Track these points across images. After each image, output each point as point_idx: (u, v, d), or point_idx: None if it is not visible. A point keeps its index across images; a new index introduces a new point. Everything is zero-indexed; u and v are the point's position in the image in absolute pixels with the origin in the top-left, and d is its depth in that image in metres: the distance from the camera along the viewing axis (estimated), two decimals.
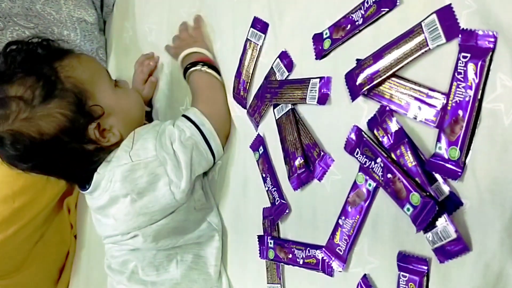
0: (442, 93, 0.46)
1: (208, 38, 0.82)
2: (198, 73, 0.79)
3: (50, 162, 0.70)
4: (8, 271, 1.10)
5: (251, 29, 0.71)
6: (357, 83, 0.53)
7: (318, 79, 0.60)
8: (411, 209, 0.46)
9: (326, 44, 0.59)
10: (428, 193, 0.45)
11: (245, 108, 0.73)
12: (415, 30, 0.48)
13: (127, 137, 0.72)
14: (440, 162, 0.45)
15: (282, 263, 0.63)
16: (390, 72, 0.50)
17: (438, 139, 0.46)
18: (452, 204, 0.44)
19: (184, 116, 0.74)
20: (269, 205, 0.67)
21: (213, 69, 0.79)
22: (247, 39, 0.72)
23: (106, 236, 0.77)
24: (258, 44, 0.71)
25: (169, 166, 0.69)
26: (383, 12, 0.52)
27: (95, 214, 0.77)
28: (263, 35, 0.70)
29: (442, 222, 0.44)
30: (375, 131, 0.52)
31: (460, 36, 0.44)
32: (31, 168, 0.70)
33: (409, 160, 0.48)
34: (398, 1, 0.50)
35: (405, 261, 0.48)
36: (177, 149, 0.70)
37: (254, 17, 0.71)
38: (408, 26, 0.49)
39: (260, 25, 0.70)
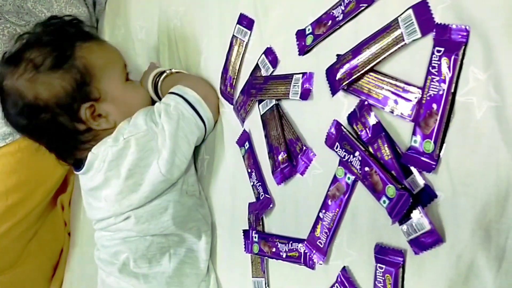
0: (418, 87, 0.47)
1: (195, 35, 0.83)
2: (169, 77, 0.81)
3: (39, 129, 0.73)
4: (2, 268, 1.11)
5: (237, 25, 0.72)
6: (337, 78, 0.54)
7: (300, 75, 0.60)
8: (387, 201, 0.47)
9: (309, 40, 0.60)
10: (403, 186, 0.46)
11: (232, 104, 0.74)
12: (392, 25, 0.49)
13: (124, 120, 0.74)
14: (415, 155, 0.46)
15: (266, 257, 0.64)
16: (368, 67, 0.51)
17: (414, 133, 0.46)
18: (426, 196, 0.45)
19: (168, 93, 0.76)
20: (254, 200, 0.67)
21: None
22: (233, 36, 0.73)
23: (98, 220, 0.77)
24: (244, 41, 0.71)
25: (159, 140, 0.70)
26: (362, 8, 0.52)
27: (87, 196, 0.78)
28: (249, 32, 0.70)
29: (417, 214, 0.45)
30: (354, 126, 0.53)
31: (434, 30, 0.45)
32: (22, 129, 0.75)
33: (386, 153, 0.48)
34: None
35: (382, 253, 0.48)
36: (163, 120, 0.71)
37: (240, 13, 0.72)
38: (386, 21, 0.50)
39: (246, 22, 0.71)
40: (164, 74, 0.80)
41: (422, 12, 0.46)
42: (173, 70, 0.81)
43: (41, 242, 1.18)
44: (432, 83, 0.45)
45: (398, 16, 0.48)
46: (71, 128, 0.72)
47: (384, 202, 0.47)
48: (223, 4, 0.76)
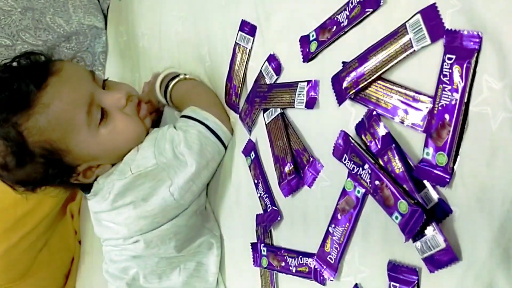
0: (429, 96, 0.44)
1: (195, 42, 0.81)
2: (182, 82, 0.78)
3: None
4: (14, 279, 1.12)
5: (240, 32, 0.70)
6: (343, 87, 0.52)
7: (305, 83, 0.58)
8: (399, 217, 0.45)
9: (313, 46, 0.57)
10: (416, 201, 0.44)
11: (237, 113, 0.72)
12: (400, 31, 0.46)
13: (132, 151, 0.71)
14: (428, 168, 0.43)
15: (276, 271, 0.62)
16: (376, 75, 0.48)
17: (426, 144, 0.44)
18: (441, 212, 0.43)
19: (184, 116, 0.73)
20: (261, 211, 0.66)
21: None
22: (236, 43, 0.71)
23: (106, 239, 0.76)
24: (247, 48, 0.69)
25: (171, 170, 0.68)
26: (368, 13, 0.50)
27: (95, 216, 0.76)
28: (252, 38, 0.68)
29: (431, 230, 0.43)
30: (362, 136, 0.51)
31: (445, 37, 0.43)
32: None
33: (397, 166, 0.46)
34: (381, 1, 0.49)
35: (395, 270, 0.46)
36: (183, 151, 0.68)
37: (242, 20, 0.70)
38: (393, 27, 0.48)
39: (248, 28, 0.69)
40: (177, 79, 0.77)
41: (431, 17, 0.44)
42: (187, 76, 0.78)
43: (52, 251, 1.19)
44: (444, 92, 0.42)
45: (406, 22, 0.46)
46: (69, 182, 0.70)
47: (397, 218, 0.45)
48: (225, 10, 0.74)
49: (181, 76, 0.78)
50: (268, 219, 0.63)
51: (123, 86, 0.74)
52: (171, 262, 0.72)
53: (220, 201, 0.75)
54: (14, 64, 0.68)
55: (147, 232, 0.69)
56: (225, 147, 0.73)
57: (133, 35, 1.03)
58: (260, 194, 0.65)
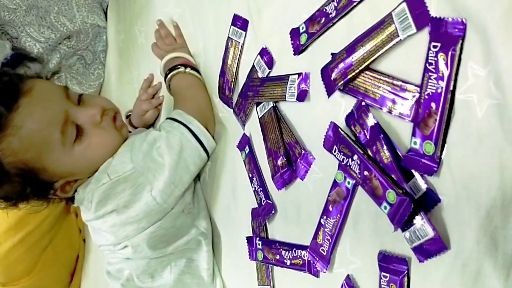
0: (416, 85, 0.44)
1: (192, 38, 0.81)
2: (181, 75, 0.78)
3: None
4: (18, 277, 1.12)
5: (232, 27, 0.70)
6: (332, 78, 0.52)
7: (296, 76, 0.58)
8: (388, 207, 0.44)
9: (303, 39, 0.57)
10: (404, 190, 0.44)
11: (231, 108, 0.72)
12: (386, 21, 0.46)
13: (108, 160, 0.70)
14: (416, 158, 0.43)
15: (271, 265, 0.62)
16: (364, 66, 0.48)
17: (413, 134, 0.44)
18: (429, 201, 0.43)
19: (169, 118, 0.73)
20: (256, 205, 0.66)
21: (197, 72, 0.78)
22: (228, 38, 0.71)
23: (100, 245, 0.77)
24: (239, 42, 0.69)
25: (150, 174, 0.67)
26: (355, 3, 0.50)
27: (88, 223, 0.77)
28: (244, 32, 0.68)
29: (419, 220, 0.42)
30: (352, 127, 0.50)
31: (430, 24, 0.42)
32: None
33: (385, 156, 0.46)
34: None
35: (386, 261, 0.46)
36: (163, 150, 0.68)
37: (234, 14, 0.70)
38: (379, 16, 0.47)
39: (240, 22, 0.69)
40: (177, 71, 0.77)
41: (417, 6, 0.43)
42: (187, 70, 0.78)
43: (57, 249, 1.19)
44: (430, 80, 0.42)
45: (392, 11, 0.46)
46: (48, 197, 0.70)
47: (385, 208, 0.45)
48: (217, 4, 0.74)
49: (181, 69, 0.77)
50: (263, 212, 0.63)
51: (98, 100, 0.72)
52: (162, 261, 0.72)
53: (216, 196, 0.76)
54: None
55: (133, 237, 0.69)
56: (208, 154, 0.73)
57: (131, 33, 1.03)
58: (255, 188, 0.65)
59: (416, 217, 0.43)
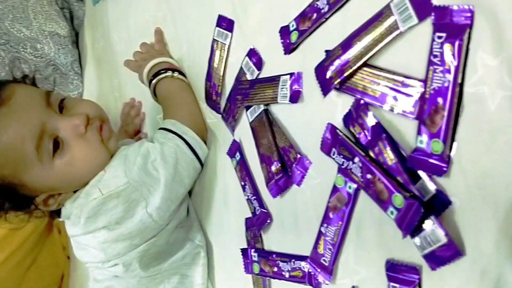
0: (419, 80, 0.41)
1: (175, 42, 0.78)
2: (168, 80, 0.74)
3: None
4: None
5: (217, 28, 0.67)
6: (328, 77, 0.48)
7: (288, 76, 0.55)
8: (395, 212, 0.41)
9: (294, 36, 0.54)
10: (411, 193, 0.40)
11: (219, 113, 0.69)
12: (384, 12, 0.43)
13: (100, 173, 0.65)
14: (423, 158, 0.40)
15: (268, 277, 0.58)
16: (361, 62, 0.45)
17: (419, 132, 0.41)
18: (440, 204, 0.40)
19: (162, 129, 0.69)
20: (250, 215, 0.62)
21: (183, 76, 0.75)
22: (213, 39, 0.67)
23: (86, 262, 0.72)
24: (225, 44, 0.66)
25: (144, 189, 0.63)
26: None
27: (73, 239, 0.71)
28: (230, 33, 0.65)
29: (430, 225, 0.39)
30: (351, 128, 0.47)
31: (433, 14, 0.39)
32: None
33: (389, 158, 0.43)
34: None
35: (394, 270, 0.43)
36: (158, 164, 0.64)
37: (219, 15, 0.66)
38: (377, 8, 0.44)
39: (225, 23, 0.66)
40: (163, 75, 0.73)
41: None
42: (174, 74, 0.73)
43: (41, 268, 1.16)
44: (435, 74, 0.39)
45: (390, 2, 0.43)
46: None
47: (392, 213, 0.42)
48: (200, 5, 0.71)
49: (168, 74, 0.73)
50: (258, 222, 0.59)
51: (83, 106, 0.66)
52: (154, 279, 0.68)
53: (207, 207, 0.72)
54: None
55: (124, 255, 0.65)
56: (202, 164, 0.70)
57: (109, 39, 0.99)
58: (248, 196, 0.62)
59: (426, 221, 0.40)
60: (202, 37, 0.70)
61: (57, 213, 0.68)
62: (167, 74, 0.74)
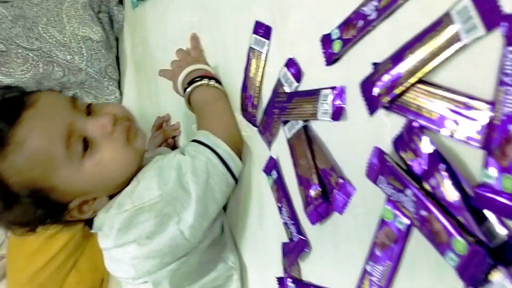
0: (487, 102, 0.34)
1: (211, 48, 0.73)
2: (204, 88, 0.70)
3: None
4: None
5: (254, 35, 0.62)
6: (375, 93, 0.42)
7: (329, 90, 0.49)
8: (456, 260, 0.35)
9: (336, 46, 0.48)
10: (476, 238, 0.34)
11: (255, 126, 0.64)
12: (443, 21, 0.37)
13: (132, 181, 0.63)
14: (490, 195, 0.33)
15: None
16: (415, 78, 0.39)
17: (486, 164, 0.34)
18: (511, 252, 0.33)
19: (194, 141, 0.66)
20: (287, 239, 0.57)
21: (219, 84, 0.70)
22: (250, 47, 0.63)
23: (118, 277, 0.70)
24: (262, 52, 0.61)
25: (178, 204, 0.60)
26: (401, 1, 0.40)
27: (105, 252, 0.70)
28: (267, 41, 0.60)
29: (499, 277, 0.33)
30: (402, 153, 0.41)
31: (504, 24, 0.33)
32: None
33: (448, 193, 0.36)
34: None
35: None
36: (189, 179, 0.61)
37: (256, 21, 0.61)
38: (434, 16, 0.38)
39: (262, 30, 0.61)
40: (199, 83, 0.70)
41: (484, 1, 0.34)
42: (210, 83, 0.70)
43: (81, 272, 1.18)
44: (507, 96, 0.32)
45: (451, 9, 0.36)
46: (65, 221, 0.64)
47: (452, 259, 0.35)
48: (236, 10, 0.66)
49: (204, 82, 0.70)
50: (295, 249, 0.54)
51: (109, 108, 0.65)
52: None
53: (242, 225, 0.67)
54: None
55: (155, 273, 0.62)
56: (236, 179, 0.66)
57: (148, 45, 0.97)
58: (285, 219, 0.57)
59: (494, 273, 0.33)
60: (238, 44, 0.66)
61: (89, 225, 0.67)
62: (202, 82, 0.70)
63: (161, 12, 0.90)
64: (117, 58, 1.16)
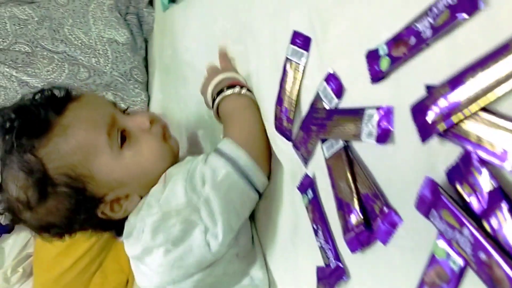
0: None
1: (243, 58, 0.71)
2: (234, 97, 0.67)
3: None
4: None
5: (291, 46, 0.59)
6: (429, 120, 0.39)
7: (375, 110, 0.46)
8: None
9: (384, 63, 0.45)
10: None
11: (290, 140, 0.61)
12: (511, 45, 0.33)
13: (159, 181, 0.64)
14: None
15: None
16: (477, 105, 0.35)
17: None
18: None
19: (217, 150, 0.64)
20: (323, 264, 0.54)
21: (250, 92, 0.68)
22: (286, 58, 0.60)
23: (143, 286, 0.69)
24: (299, 64, 0.58)
25: (203, 213, 0.59)
26: (460, 19, 0.37)
27: (133, 261, 0.69)
28: (305, 53, 0.57)
29: None
30: (458, 186, 0.37)
31: None
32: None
33: None
34: (482, 3, 0.35)
35: None
36: (210, 192, 0.60)
37: (294, 30, 0.58)
38: (498, 37, 0.34)
39: (301, 41, 0.57)
40: (230, 92, 0.67)
41: None
42: (242, 91, 0.67)
43: (106, 273, 1.20)
44: None
45: None
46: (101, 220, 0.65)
47: None
48: (273, 18, 0.63)
49: (236, 90, 0.67)
50: (332, 277, 0.51)
51: (144, 112, 0.74)
52: None
53: (273, 242, 0.65)
54: (37, 97, 0.66)
55: (179, 282, 0.62)
56: (259, 193, 0.64)
57: (177, 48, 0.95)
58: (321, 243, 0.54)
59: None
60: (273, 55, 0.63)
61: (118, 233, 0.68)
62: (235, 89, 0.67)
63: (191, 16, 0.88)
64: (146, 60, 1.15)
